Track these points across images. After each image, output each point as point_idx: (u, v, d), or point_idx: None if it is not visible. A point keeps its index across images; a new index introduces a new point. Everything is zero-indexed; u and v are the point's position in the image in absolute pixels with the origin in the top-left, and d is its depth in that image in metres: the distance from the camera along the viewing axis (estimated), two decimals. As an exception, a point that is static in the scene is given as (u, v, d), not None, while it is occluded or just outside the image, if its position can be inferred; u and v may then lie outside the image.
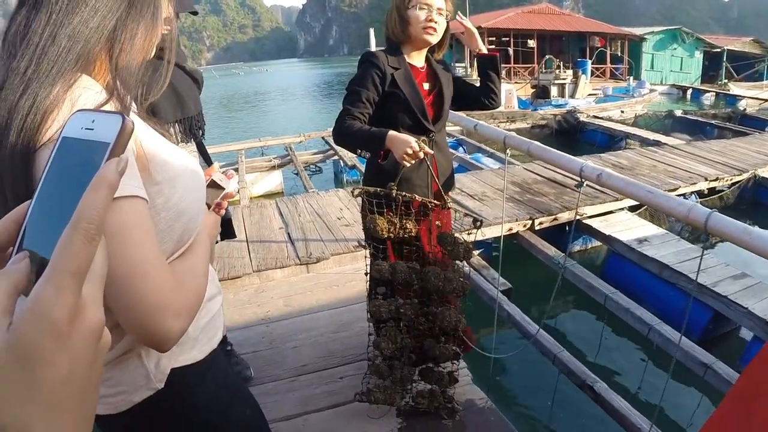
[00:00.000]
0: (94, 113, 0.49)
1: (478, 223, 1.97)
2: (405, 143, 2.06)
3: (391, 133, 2.17)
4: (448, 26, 2.57)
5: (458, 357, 2.53)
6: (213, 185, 1.34)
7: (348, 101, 2.43)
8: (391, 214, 2.29)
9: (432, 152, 2.14)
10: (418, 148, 2.03)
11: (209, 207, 1.30)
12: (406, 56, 2.54)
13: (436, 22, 2.42)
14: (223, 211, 1.34)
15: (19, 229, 0.46)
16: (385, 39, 2.63)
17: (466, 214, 2.06)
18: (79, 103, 0.83)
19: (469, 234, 2.04)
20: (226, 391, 1.28)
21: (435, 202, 2.24)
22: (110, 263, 0.80)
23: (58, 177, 0.47)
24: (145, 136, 0.95)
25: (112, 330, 0.96)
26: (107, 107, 0.86)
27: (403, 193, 2.22)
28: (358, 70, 2.53)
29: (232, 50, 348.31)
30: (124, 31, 0.93)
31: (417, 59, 2.60)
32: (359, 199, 2.59)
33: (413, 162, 2.11)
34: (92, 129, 0.48)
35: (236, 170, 9.77)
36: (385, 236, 2.30)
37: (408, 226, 2.27)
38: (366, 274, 2.51)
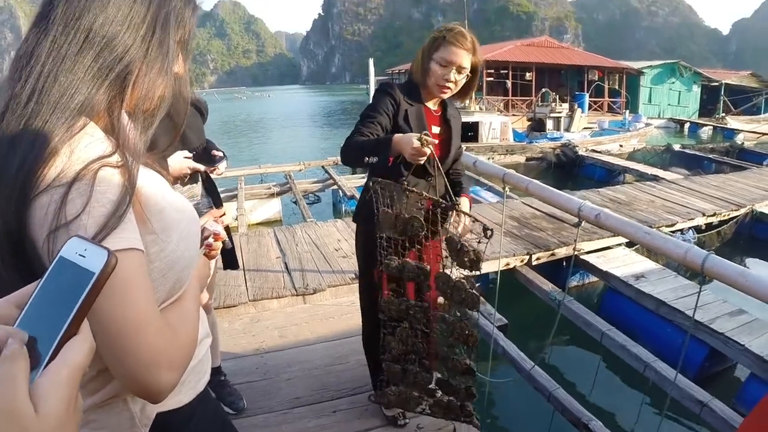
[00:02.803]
0: (88, 243, 0.57)
1: (489, 232, 1.93)
2: (409, 141, 2.05)
3: (396, 135, 2.17)
4: (475, 79, 2.58)
5: (471, 373, 2.43)
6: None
7: (360, 123, 2.44)
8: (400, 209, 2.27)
9: (435, 142, 2.11)
10: (420, 144, 2.02)
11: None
12: (422, 98, 2.56)
13: (452, 82, 2.45)
14: (214, 252, 1.33)
15: (20, 310, 0.55)
16: (408, 74, 2.67)
17: (475, 221, 2.03)
18: (78, 152, 0.82)
19: (479, 243, 2.00)
20: None
21: (444, 202, 2.20)
22: (104, 317, 0.81)
23: (53, 288, 0.56)
24: (145, 185, 0.93)
25: (100, 374, 0.96)
26: (112, 159, 0.84)
27: (414, 189, 2.20)
28: (374, 98, 2.55)
29: (235, 74, 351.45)
30: (133, 83, 0.92)
31: (432, 103, 2.63)
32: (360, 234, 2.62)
33: (423, 159, 2.08)
34: (84, 257, 0.57)
35: (235, 196, 9.82)
36: (392, 229, 2.29)
37: (415, 224, 2.23)
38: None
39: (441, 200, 2.19)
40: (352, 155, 2.38)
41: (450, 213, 2.23)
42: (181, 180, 2.62)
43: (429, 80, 2.49)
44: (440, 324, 2.31)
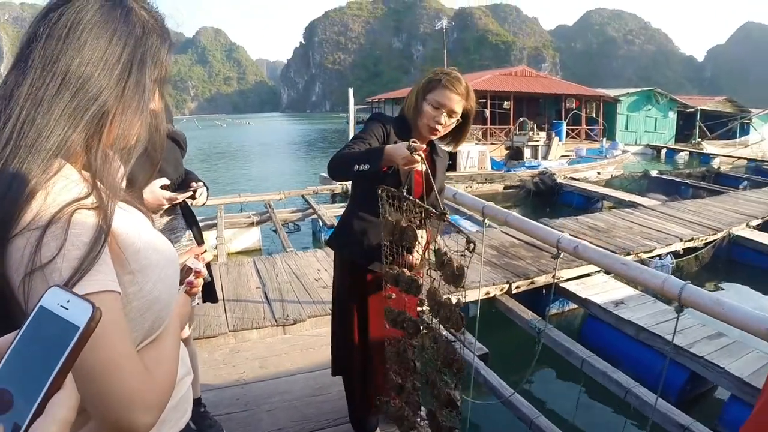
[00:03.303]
0: (70, 294, 0.57)
1: (472, 246, 1.93)
2: (401, 151, 2.06)
3: (388, 146, 2.18)
4: (467, 125, 2.64)
5: (454, 405, 2.32)
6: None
7: (351, 141, 2.46)
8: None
9: (424, 147, 2.11)
10: (409, 153, 2.02)
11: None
12: (412, 134, 2.58)
13: (442, 125, 2.49)
14: (195, 290, 1.32)
15: None
16: (400, 110, 2.68)
17: (458, 231, 2.03)
18: (53, 195, 0.83)
19: (462, 257, 2.00)
20: None
21: (434, 210, 2.20)
22: (81, 359, 0.80)
23: (33, 339, 0.56)
24: (122, 224, 0.93)
25: (79, 414, 0.95)
26: (88, 201, 0.85)
27: (410, 198, 2.21)
28: (366, 124, 2.58)
29: (215, 101, 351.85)
30: (110, 122, 0.93)
31: (420, 140, 2.64)
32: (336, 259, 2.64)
33: (415, 165, 2.08)
34: (67, 309, 0.57)
35: (215, 225, 9.77)
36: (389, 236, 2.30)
37: (409, 233, 2.23)
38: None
39: (430, 208, 2.19)
40: (341, 165, 2.35)
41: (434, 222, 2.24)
42: (158, 211, 2.61)
43: (420, 120, 2.52)
44: (430, 344, 2.30)
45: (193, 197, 2.70)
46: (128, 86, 0.95)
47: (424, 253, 2.30)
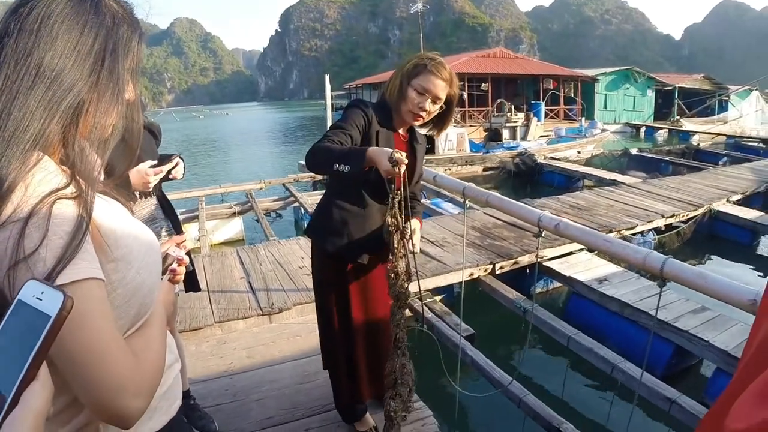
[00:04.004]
0: (44, 285, 0.60)
1: (414, 275, 1.96)
2: (383, 163, 2.02)
3: (371, 148, 2.13)
4: (450, 112, 2.62)
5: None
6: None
7: (330, 131, 2.40)
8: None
9: (406, 161, 2.04)
10: (391, 166, 1.99)
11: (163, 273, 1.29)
12: (393, 121, 2.56)
13: (425, 111, 2.46)
14: (178, 277, 1.33)
15: None
16: (379, 96, 2.64)
17: (403, 255, 2.06)
18: (32, 187, 0.84)
19: (407, 281, 2.04)
20: None
21: (398, 225, 2.20)
22: (67, 348, 0.81)
23: (11, 331, 0.58)
24: (103, 213, 0.95)
25: (71, 404, 0.96)
26: (67, 191, 0.86)
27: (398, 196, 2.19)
28: (347, 111, 2.51)
29: (193, 93, 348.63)
30: (85, 112, 0.94)
31: (401, 126, 2.63)
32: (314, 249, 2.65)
33: (397, 172, 2.03)
34: (41, 300, 0.59)
35: (197, 217, 9.71)
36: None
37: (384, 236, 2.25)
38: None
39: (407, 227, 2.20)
40: (320, 160, 2.27)
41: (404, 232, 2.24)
42: (146, 191, 2.58)
43: (404, 106, 2.48)
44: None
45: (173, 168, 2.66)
46: (102, 76, 0.96)
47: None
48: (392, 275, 2.25)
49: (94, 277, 0.86)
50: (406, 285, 2.28)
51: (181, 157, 2.75)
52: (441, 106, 2.53)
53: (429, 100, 2.44)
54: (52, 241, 0.80)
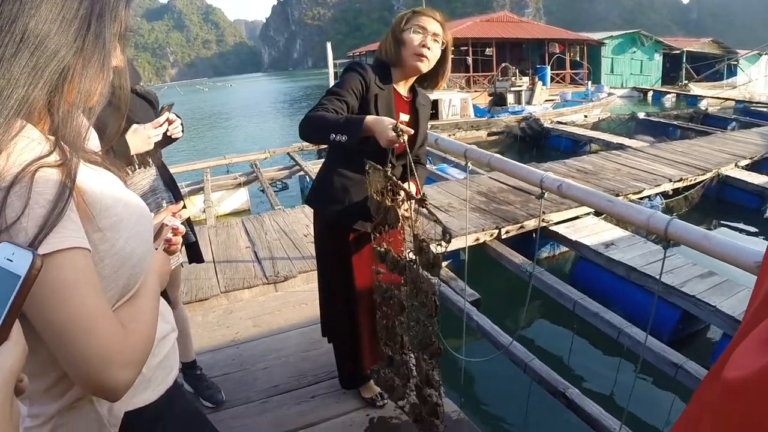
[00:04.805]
0: (15, 247, 0.60)
1: (448, 236, 1.90)
2: (384, 128, 1.98)
3: (369, 117, 2.07)
4: (446, 61, 2.52)
5: (433, 385, 2.34)
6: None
7: (325, 98, 2.32)
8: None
9: (411, 132, 2.01)
10: (396, 135, 1.94)
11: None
12: (393, 80, 2.48)
13: (429, 49, 2.36)
14: (174, 247, 1.30)
15: None
16: (375, 59, 2.56)
17: (435, 220, 1.98)
18: (15, 155, 0.82)
19: (438, 245, 1.97)
20: (186, 430, 1.25)
21: (412, 194, 2.14)
22: (53, 318, 0.80)
23: None
24: (89, 182, 0.93)
25: (63, 378, 0.96)
26: (50, 159, 0.84)
27: (393, 178, 2.13)
28: (343, 75, 2.44)
29: (196, 66, 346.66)
30: (70, 78, 0.91)
31: (403, 87, 2.54)
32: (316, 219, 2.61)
33: (396, 144, 2.00)
34: (12, 261, 0.59)
35: (202, 189, 9.72)
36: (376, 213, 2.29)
37: (387, 202, 2.20)
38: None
39: (411, 192, 2.13)
40: (314, 129, 2.21)
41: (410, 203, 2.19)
42: (149, 149, 2.52)
43: (405, 51, 2.39)
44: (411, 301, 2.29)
45: (169, 123, 2.59)
46: (87, 41, 0.94)
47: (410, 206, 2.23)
48: (417, 245, 2.18)
49: (78, 246, 0.84)
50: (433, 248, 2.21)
51: (176, 114, 2.68)
52: (442, 42, 2.42)
53: (430, 37, 2.35)
54: (34, 210, 0.79)
